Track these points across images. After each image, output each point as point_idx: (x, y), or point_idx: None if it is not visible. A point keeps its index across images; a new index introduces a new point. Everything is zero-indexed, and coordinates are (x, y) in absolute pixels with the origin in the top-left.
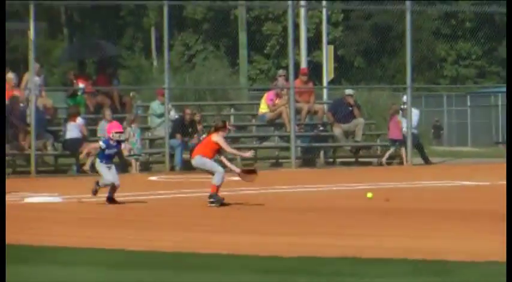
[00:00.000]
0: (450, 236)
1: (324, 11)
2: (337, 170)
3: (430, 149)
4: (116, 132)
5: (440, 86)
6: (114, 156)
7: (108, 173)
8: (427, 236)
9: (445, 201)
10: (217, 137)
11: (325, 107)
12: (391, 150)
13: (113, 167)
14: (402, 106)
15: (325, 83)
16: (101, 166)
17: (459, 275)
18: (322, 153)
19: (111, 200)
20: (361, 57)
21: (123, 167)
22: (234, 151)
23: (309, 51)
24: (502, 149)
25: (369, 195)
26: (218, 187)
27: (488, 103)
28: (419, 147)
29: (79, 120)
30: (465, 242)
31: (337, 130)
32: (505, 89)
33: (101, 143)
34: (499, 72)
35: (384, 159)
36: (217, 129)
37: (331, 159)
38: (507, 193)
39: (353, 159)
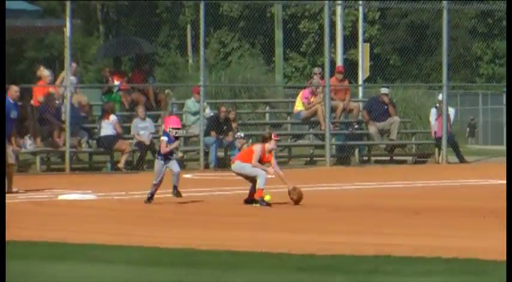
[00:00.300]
0: (484, 235)
1: (361, 9)
2: (372, 168)
3: (465, 147)
4: (173, 128)
5: (476, 85)
6: (172, 152)
7: (160, 174)
8: (461, 235)
9: (479, 200)
10: (256, 147)
11: (361, 105)
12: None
13: (174, 161)
14: (437, 105)
15: (360, 81)
16: (157, 164)
17: (494, 274)
18: (356, 151)
19: (176, 192)
20: (397, 56)
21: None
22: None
23: (345, 49)
24: None
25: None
26: (263, 189)
27: None
28: (454, 146)
29: (112, 117)
30: (499, 241)
31: (372, 128)
32: None
33: (162, 137)
34: None
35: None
36: (264, 140)
37: (365, 158)
38: (507, 193)
39: (388, 158)
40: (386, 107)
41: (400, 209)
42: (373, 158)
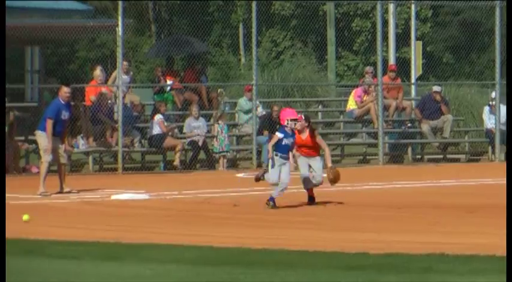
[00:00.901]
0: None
1: (413, 6)
2: (425, 166)
3: None
4: (292, 119)
5: None
6: (292, 148)
7: (275, 172)
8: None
9: None
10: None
11: (413, 103)
12: None
13: (288, 164)
14: (490, 102)
15: (413, 80)
16: (273, 160)
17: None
18: (409, 149)
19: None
20: (450, 53)
21: (210, 163)
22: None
23: (397, 47)
24: None
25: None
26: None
27: None
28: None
29: (158, 116)
30: None
31: (425, 126)
32: None
33: (277, 133)
34: None
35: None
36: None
37: (419, 156)
38: (507, 192)
39: (441, 156)
40: (439, 105)
41: (454, 207)
42: (426, 157)
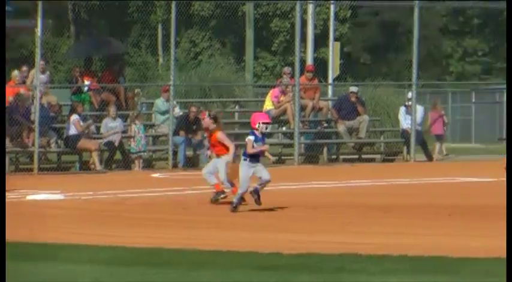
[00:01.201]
0: (450, 233)
1: (332, 7)
2: (340, 166)
3: (433, 145)
4: (264, 123)
5: (445, 83)
6: (261, 153)
7: (246, 180)
8: (428, 233)
9: (447, 197)
10: None
11: (330, 103)
12: (437, 146)
13: (260, 164)
14: (407, 103)
15: (330, 80)
16: (243, 166)
17: (463, 272)
18: (325, 150)
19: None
20: (368, 54)
21: (126, 164)
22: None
23: (316, 47)
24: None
25: None
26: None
27: (493, 100)
28: (422, 144)
29: (73, 117)
30: (466, 238)
31: (341, 127)
32: None
33: (249, 137)
34: (504, 68)
35: (435, 156)
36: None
37: (334, 156)
38: (507, 192)
39: (356, 156)
40: (355, 105)
41: (368, 207)
42: (341, 157)
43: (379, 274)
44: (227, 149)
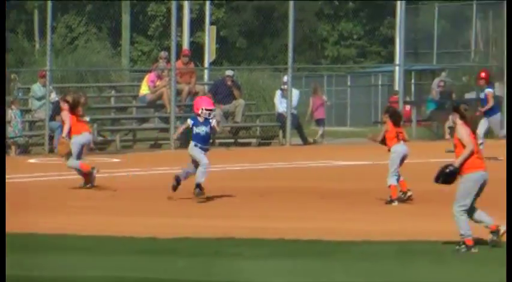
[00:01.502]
0: (326, 216)
1: None
2: (216, 150)
3: (309, 129)
4: (206, 109)
5: (321, 66)
6: (210, 137)
7: (191, 164)
8: (303, 216)
9: (322, 181)
10: None
11: (206, 88)
12: (320, 130)
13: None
14: (282, 86)
15: (206, 64)
16: (194, 150)
17: (337, 255)
18: None
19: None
20: (244, 38)
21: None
22: None
23: (192, 32)
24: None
25: None
26: None
27: (368, 83)
28: (298, 128)
29: None
30: (339, 222)
31: (217, 111)
32: (385, 68)
33: (189, 120)
34: (379, 52)
35: (317, 138)
36: None
37: (210, 140)
38: (507, 192)
39: (232, 140)
40: (231, 89)
41: (245, 191)
42: (217, 141)
43: (255, 258)
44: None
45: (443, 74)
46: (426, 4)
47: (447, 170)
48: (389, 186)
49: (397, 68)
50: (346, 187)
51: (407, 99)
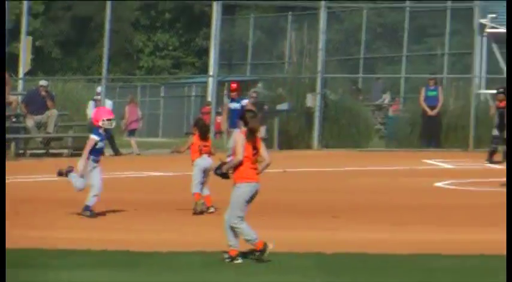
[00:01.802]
0: (136, 228)
1: (25, 2)
2: (27, 161)
3: (121, 140)
4: (108, 119)
5: (135, 77)
6: (103, 150)
7: (80, 180)
8: (114, 228)
9: (133, 192)
10: None
11: (20, 98)
12: (133, 140)
13: (99, 168)
14: (95, 97)
15: (21, 75)
16: (92, 172)
17: (139, 266)
18: (13, 144)
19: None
20: (59, 49)
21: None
22: None
23: (8, 42)
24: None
25: None
26: None
27: (182, 94)
28: (110, 139)
29: None
30: (149, 233)
31: (30, 121)
32: (199, 79)
33: (92, 136)
34: (194, 62)
35: (134, 150)
36: None
37: (22, 151)
38: (507, 193)
39: (44, 151)
40: (44, 100)
41: (55, 202)
42: (28, 152)
43: (64, 268)
44: None
45: (259, 85)
46: (242, 17)
47: (218, 172)
48: (194, 194)
49: (210, 79)
50: (158, 198)
51: (220, 110)
